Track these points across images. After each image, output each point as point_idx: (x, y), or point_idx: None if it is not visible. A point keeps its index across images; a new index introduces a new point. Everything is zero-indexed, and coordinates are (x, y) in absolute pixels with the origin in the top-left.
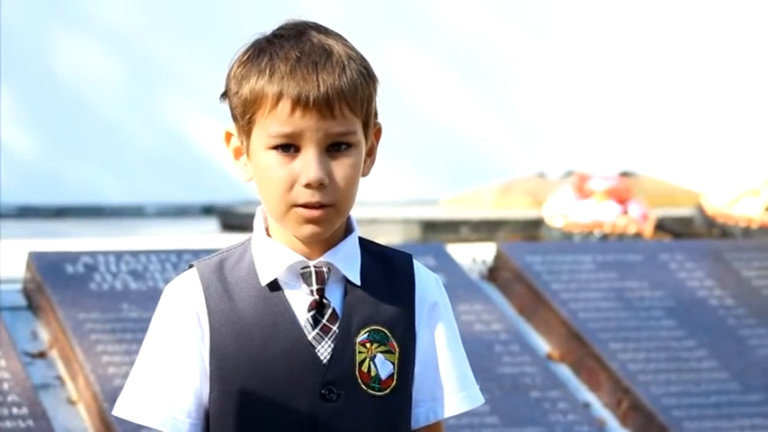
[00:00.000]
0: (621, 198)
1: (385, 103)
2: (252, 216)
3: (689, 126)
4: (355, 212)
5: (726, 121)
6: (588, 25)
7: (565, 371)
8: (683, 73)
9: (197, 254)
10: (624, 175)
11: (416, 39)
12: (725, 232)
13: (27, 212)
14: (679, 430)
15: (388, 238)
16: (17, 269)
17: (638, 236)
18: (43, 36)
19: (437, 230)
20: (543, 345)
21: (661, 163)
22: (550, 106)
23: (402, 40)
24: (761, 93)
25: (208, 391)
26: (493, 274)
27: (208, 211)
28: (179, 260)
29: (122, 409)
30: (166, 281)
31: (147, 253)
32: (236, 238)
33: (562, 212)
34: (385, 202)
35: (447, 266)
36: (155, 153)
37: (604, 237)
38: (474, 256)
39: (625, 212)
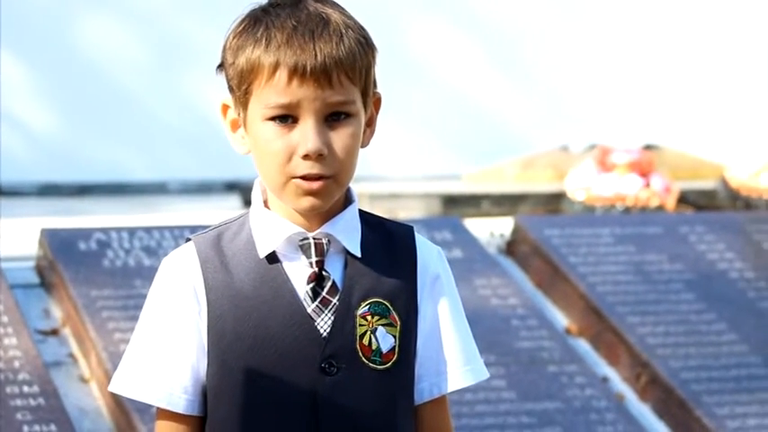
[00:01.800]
0: (644, 171)
1: (408, 77)
2: None
3: (712, 98)
4: (376, 187)
5: (749, 94)
6: None
7: (583, 345)
8: (705, 45)
9: None
10: (647, 148)
11: (440, 12)
12: (749, 205)
13: (48, 190)
14: (698, 404)
15: (408, 212)
16: (30, 247)
17: (660, 209)
18: (64, 11)
19: (458, 205)
20: (561, 319)
21: (684, 136)
22: (573, 79)
23: (425, 13)
24: None
25: (205, 366)
26: (510, 247)
27: (231, 187)
28: None
29: (118, 385)
30: None
31: (161, 229)
32: (243, 212)
33: (584, 186)
34: (407, 177)
35: (464, 240)
36: (177, 129)
37: (626, 210)
38: (492, 230)
39: (647, 186)
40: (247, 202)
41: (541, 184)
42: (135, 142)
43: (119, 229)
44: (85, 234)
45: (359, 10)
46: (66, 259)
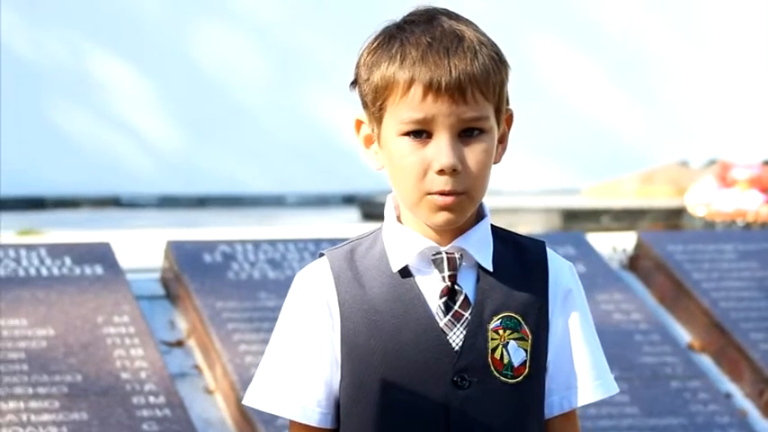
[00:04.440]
0: (765, 187)
1: (528, 94)
2: None
3: None
4: (497, 202)
5: None
6: (730, 14)
7: (706, 361)
8: None
9: (335, 243)
10: (767, 163)
11: (560, 30)
12: None
13: (168, 202)
14: None
15: (529, 227)
16: (155, 258)
17: None
18: (184, 26)
19: (578, 220)
20: (684, 335)
21: None
22: (693, 95)
23: (546, 32)
24: None
25: (339, 379)
26: (633, 263)
27: (349, 200)
28: (317, 249)
29: (252, 399)
30: None
31: (285, 242)
32: (371, 227)
33: (705, 201)
34: (527, 192)
35: (587, 255)
36: (295, 143)
37: (747, 225)
38: (614, 245)
39: None
40: (366, 215)
41: (661, 199)
42: (253, 155)
43: (243, 242)
44: (210, 246)
45: (483, 28)
46: (191, 271)
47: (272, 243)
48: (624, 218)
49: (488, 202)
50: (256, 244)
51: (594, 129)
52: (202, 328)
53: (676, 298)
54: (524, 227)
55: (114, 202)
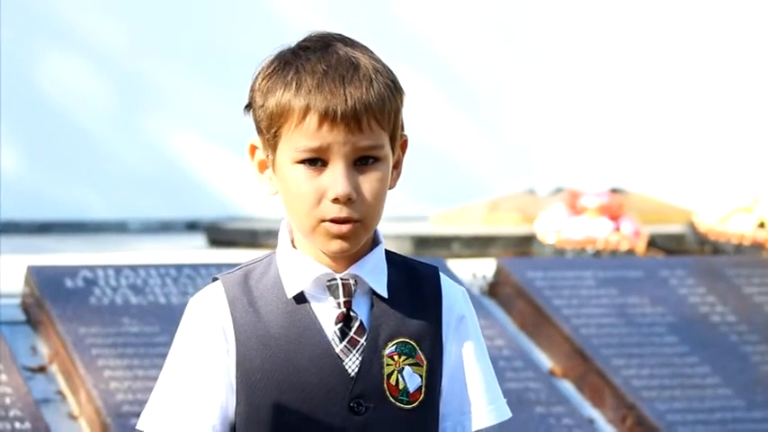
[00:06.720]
0: (614, 215)
1: None
2: (239, 232)
3: (680, 143)
4: None
5: (717, 139)
6: (577, 43)
7: (568, 387)
8: (673, 90)
9: (196, 268)
10: (612, 191)
11: (405, 58)
12: (717, 249)
13: (9, 228)
14: None
15: None
16: (14, 283)
17: (630, 252)
18: (27, 52)
19: (429, 246)
20: (546, 361)
21: (652, 180)
22: (539, 123)
23: (391, 59)
24: (752, 110)
25: (234, 404)
26: (493, 289)
27: (191, 226)
28: (179, 274)
29: (146, 423)
30: (166, 295)
31: (147, 267)
32: (224, 254)
33: (554, 229)
34: None
35: None
36: (138, 169)
37: (597, 253)
38: (474, 271)
39: (617, 229)
40: (212, 242)
41: (509, 226)
42: (95, 181)
43: (105, 267)
44: (72, 272)
45: None
46: (53, 296)
47: (134, 269)
48: (474, 244)
49: None
50: (118, 269)
51: (442, 156)
52: (65, 353)
53: (537, 324)
54: None
55: None
